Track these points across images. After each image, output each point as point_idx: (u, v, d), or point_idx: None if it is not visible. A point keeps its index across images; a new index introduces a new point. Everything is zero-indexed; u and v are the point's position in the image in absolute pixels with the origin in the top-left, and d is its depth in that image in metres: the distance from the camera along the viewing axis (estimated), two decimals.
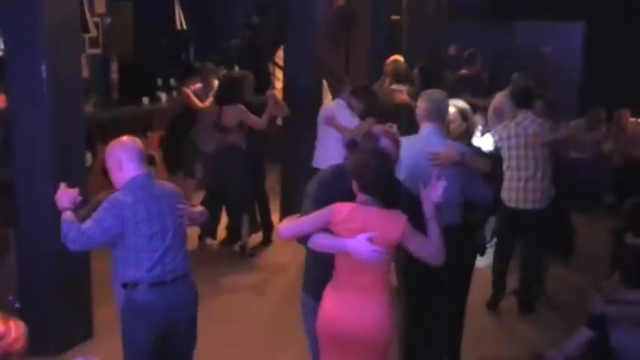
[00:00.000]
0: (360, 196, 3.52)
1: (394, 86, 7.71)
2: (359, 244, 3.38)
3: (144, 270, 3.75)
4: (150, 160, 4.32)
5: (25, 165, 4.98)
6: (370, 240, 3.37)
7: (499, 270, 6.42)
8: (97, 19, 9.43)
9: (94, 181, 7.30)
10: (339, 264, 3.56)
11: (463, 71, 9.13)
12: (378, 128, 4.06)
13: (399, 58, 8.41)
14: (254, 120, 7.19)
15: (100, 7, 9.48)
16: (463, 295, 4.87)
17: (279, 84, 10.04)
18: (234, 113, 7.13)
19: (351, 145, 4.12)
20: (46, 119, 4.83)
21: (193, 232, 7.11)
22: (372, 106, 6.99)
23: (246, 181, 7.37)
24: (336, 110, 7.02)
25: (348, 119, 6.89)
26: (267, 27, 11.29)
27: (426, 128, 4.51)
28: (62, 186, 3.83)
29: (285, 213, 8.24)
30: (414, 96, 7.37)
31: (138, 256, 3.74)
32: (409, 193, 3.83)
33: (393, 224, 3.45)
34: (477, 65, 9.22)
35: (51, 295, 5.13)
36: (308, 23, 8.17)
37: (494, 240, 6.67)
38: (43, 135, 4.86)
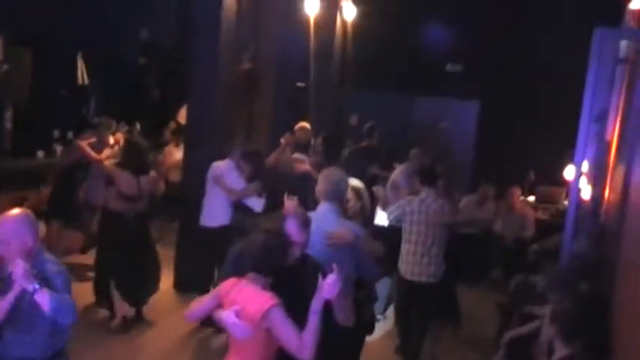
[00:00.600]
0: (250, 272, 3.62)
1: (296, 155, 7.81)
2: (226, 316, 3.51)
3: None
4: None
5: None
6: (236, 314, 3.46)
7: (405, 333, 6.65)
8: None
9: None
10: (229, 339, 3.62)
11: (363, 144, 9.35)
12: (290, 208, 4.09)
13: (306, 125, 8.55)
14: (162, 187, 7.22)
15: None
16: None
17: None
18: (150, 182, 6.97)
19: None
20: None
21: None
22: (259, 171, 7.18)
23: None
24: (224, 170, 7.11)
25: (235, 180, 6.99)
26: (170, 84, 11.27)
27: (323, 207, 4.58)
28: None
29: (179, 273, 8.10)
30: (317, 166, 7.52)
31: None
32: (315, 270, 3.81)
33: (257, 302, 3.49)
34: (375, 138, 9.48)
35: None
36: (212, 82, 8.17)
37: (388, 309, 6.84)
38: None
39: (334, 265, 3.54)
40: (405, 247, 6.36)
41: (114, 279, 6.81)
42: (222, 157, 8.46)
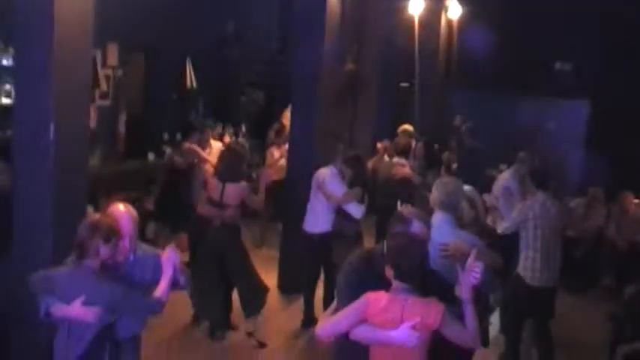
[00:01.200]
0: (396, 283, 3.48)
1: (395, 159, 7.77)
2: (404, 334, 3.37)
3: None
4: None
5: (27, 215, 4.97)
6: (413, 328, 3.37)
7: (515, 341, 6.44)
8: (109, 71, 9.53)
9: None
10: (375, 354, 3.54)
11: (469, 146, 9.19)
12: (408, 211, 4.02)
13: (408, 128, 8.51)
14: (254, 200, 6.79)
15: (112, 59, 9.60)
16: None
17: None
18: (238, 191, 6.57)
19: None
20: (51, 173, 4.83)
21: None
22: (360, 176, 7.08)
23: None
24: (327, 176, 7.09)
25: (337, 186, 6.96)
26: (275, 86, 11.44)
27: (438, 218, 4.47)
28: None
29: (283, 275, 8.21)
30: (416, 170, 7.46)
31: None
32: (438, 278, 3.78)
33: (432, 312, 3.42)
34: (477, 139, 9.34)
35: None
36: (315, 85, 8.21)
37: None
38: (46, 187, 4.84)
39: (473, 250, 3.57)
40: (528, 254, 6.17)
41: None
42: (324, 159, 8.56)
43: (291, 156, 8.59)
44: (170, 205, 8.15)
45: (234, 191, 6.47)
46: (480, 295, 4.30)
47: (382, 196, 7.92)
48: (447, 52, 11.63)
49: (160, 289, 3.98)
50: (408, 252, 3.47)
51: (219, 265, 6.49)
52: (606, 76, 11.21)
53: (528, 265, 6.16)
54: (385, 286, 3.50)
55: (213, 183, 6.55)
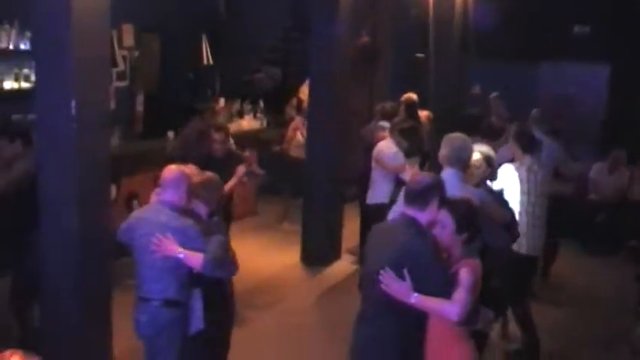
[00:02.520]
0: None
1: (381, 123, 7.81)
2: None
3: None
4: None
5: (52, 193, 5.02)
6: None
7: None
8: (125, 52, 9.56)
9: (118, 213, 7.44)
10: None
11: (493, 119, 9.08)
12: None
13: (412, 95, 8.52)
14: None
15: (128, 40, 9.63)
16: None
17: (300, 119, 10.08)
18: None
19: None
20: (74, 152, 4.87)
21: None
22: (418, 145, 7.14)
23: None
24: (383, 149, 7.13)
25: (394, 157, 6.97)
26: (291, 61, 11.41)
27: (446, 173, 4.52)
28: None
29: (305, 249, 8.26)
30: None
31: None
32: None
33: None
34: (500, 109, 9.26)
35: (72, 326, 5.12)
36: (331, 58, 8.19)
37: None
38: (70, 167, 4.87)
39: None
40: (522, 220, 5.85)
41: None
42: (343, 133, 8.56)
43: (310, 131, 8.60)
44: None
45: None
46: (490, 250, 4.37)
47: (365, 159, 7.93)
48: (463, 21, 11.49)
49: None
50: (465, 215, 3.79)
51: None
52: (625, 39, 11.06)
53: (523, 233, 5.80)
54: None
55: None
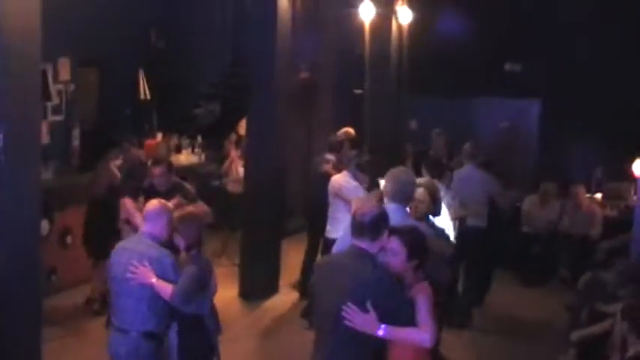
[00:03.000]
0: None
1: (327, 156, 7.98)
2: None
3: None
4: None
5: None
6: None
7: None
8: (61, 87, 9.46)
9: (50, 249, 7.30)
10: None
11: (430, 152, 9.28)
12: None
13: (350, 130, 8.69)
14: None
15: (65, 73, 9.54)
16: None
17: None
18: None
19: None
20: (1, 187, 4.77)
21: None
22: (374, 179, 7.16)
23: None
24: (342, 183, 7.17)
25: (354, 191, 7.02)
26: (230, 97, 11.45)
27: (390, 207, 4.50)
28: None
29: (244, 283, 8.22)
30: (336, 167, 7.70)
31: None
32: None
33: None
34: (441, 145, 9.48)
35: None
36: (271, 93, 8.24)
37: None
38: None
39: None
40: None
41: None
42: (282, 167, 8.61)
43: (249, 165, 8.60)
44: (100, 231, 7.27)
45: None
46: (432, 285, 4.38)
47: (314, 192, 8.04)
48: (399, 57, 11.73)
49: None
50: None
51: None
52: (555, 75, 11.45)
53: None
54: None
55: None
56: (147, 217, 4.54)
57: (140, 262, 4.32)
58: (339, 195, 7.20)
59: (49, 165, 8.24)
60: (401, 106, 11.81)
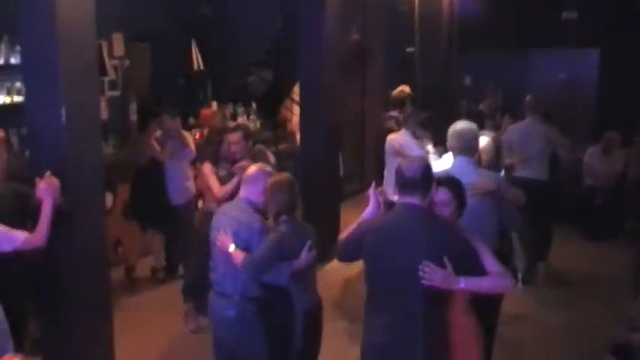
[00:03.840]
0: None
1: (391, 112, 7.92)
2: None
3: None
4: None
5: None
6: None
7: None
8: (116, 62, 9.59)
9: (114, 222, 7.48)
10: None
11: (481, 106, 9.15)
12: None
13: (405, 88, 8.60)
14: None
15: (118, 50, 9.65)
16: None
17: (295, 119, 10.13)
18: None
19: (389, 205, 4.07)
20: (66, 163, 4.89)
21: None
22: (438, 135, 7.12)
23: None
24: (403, 142, 7.15)
25: (415, 150, 7.01)
26: (281, 63, 11.45)
27: (459, 160, 4.65)
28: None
29: None
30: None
31: None
32: None
33: None
34: (498, 100, 9.33)
35: (73, 321, 5.14)
36: (321, 57, 8.23)
37: None
38: (61, 178, 4.75)
39: None
40: None
41: None
42: (336, 131, 8.59)
43: (303, 130, 8.64)
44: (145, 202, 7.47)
45: None
46: (505, 232, 4.49)
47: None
48: (450, 12, 11.50)
49: None
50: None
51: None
52: (613, 23, 11.09)
53: None
54: None
55: None
56: (245, 181, 4.56)
57: (232, 226, 4.36)
58: (399, 154, 7.14)
59: (109, 140, 8.40)
60: (454, 63, 11.61)
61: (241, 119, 10.38)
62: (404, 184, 3.69)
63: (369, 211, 4.02)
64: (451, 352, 3.70)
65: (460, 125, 4.84)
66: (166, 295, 7.10)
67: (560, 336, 6.41)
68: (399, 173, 3.72)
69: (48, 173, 4.19)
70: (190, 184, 7.44)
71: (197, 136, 9.01)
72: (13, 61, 8.22)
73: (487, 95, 10.31)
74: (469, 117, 6.77)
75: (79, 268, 5.01)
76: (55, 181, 4.25)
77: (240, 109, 10.63)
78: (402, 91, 8.65)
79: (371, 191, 4.05)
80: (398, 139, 7.24)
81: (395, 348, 3.65)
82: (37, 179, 4.18)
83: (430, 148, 6.88)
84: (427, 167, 3.74)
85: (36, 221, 4.22)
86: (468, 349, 3.80)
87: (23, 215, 4.22)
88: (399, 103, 8.21)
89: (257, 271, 4.24)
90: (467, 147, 4.69)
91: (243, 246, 4.32)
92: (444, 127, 5.05)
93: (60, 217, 4.39)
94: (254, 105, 10.90)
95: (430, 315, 3.62)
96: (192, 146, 7.37)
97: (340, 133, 8.78)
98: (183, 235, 7.14)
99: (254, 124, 10.56)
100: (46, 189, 4.20)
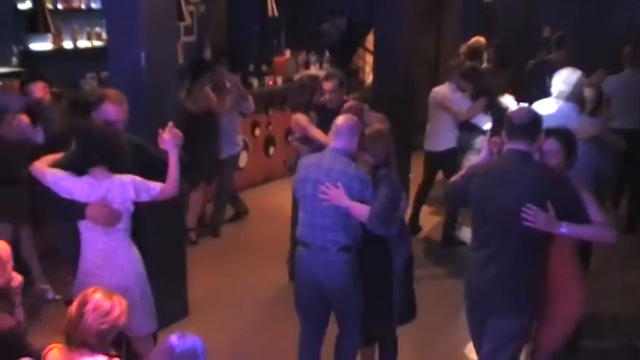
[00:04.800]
0: None
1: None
2: None
3: None
4: None
5: None
6: None
7: None
8: (192, 8, 9.66)
9: None
10: None
11: (550, 56, 8.83)
12: None
13: (480, 38, 8.45)
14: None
15: None
16: None
17: (368, 68, 10.06)
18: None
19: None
20: (145, 106, 5.00)
21: None
22: (482, 87, 7.07)
23: None
24: (446, 93, 7.08)
25: (460, 102, 6.94)
26: (356, 11, 11.33)
27: (566, 106, 4.97)
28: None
29: None
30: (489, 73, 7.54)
31: None
32: None
33: None
34: (565, 49, 8.96)
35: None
36: (397, 5, 8.11)
37: None
38: (141, 121, 4.88)
39: None
40: None
41: None
42: (410, 81, 8.49)
43: (377, 80, 8.59)
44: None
45: None
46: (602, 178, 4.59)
47: None
48: None
49: None
50: None
51: None
52: None
53: None
54: None
55: None
56: (340, 131, 4.30)
57: (336, 180, 4.17)
58: (442, 106, 7.07)
59: (184, 85, 8.49)
60: (533, 11, 11.24)
61: (314, 67, 10.35)
62: (512, 130, 3.85)
63: (481, 158, 4.21)
64: (547, 298, 3.84)
65: (567, 72, 5.13)
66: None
67: None
68: (508, 120, 3.91)
69: (170, 124, 4.16)
70: (240, 139, 7.61)
71: (270, 83, 9.06)
72: (93, 5, 8.38)
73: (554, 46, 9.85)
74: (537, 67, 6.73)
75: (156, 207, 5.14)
76: (178, 132, 4.21)
77: (313, 57, 10.60)
78: (477, 41, 8.44)
79: (485, 139, 4.23)
80: (441, 91, 7.18)
81: (491, 286, 3.83)
82: (160, 130, 4.22)
83: (489, 125, 6.70)
84: (537, 115, 3.90)
85: (152, 171, 4.19)
86: (567, 299, 3.85)
87: (142, 165, 4.19)
88: (474, 53, 8.03)
89: (381, 223, 4.13)
90: (573, 93, 4.99)
91: (357, 198, 4.18)
92: (519, 80, 5.25)
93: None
94: (327, 53, 10.85)
95: (530, 257, 3.78)
96: (251, 100, 7.51)
97: (414, 82, 8.67)
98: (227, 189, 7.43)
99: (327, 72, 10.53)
100: (171, 139, 4.17)
